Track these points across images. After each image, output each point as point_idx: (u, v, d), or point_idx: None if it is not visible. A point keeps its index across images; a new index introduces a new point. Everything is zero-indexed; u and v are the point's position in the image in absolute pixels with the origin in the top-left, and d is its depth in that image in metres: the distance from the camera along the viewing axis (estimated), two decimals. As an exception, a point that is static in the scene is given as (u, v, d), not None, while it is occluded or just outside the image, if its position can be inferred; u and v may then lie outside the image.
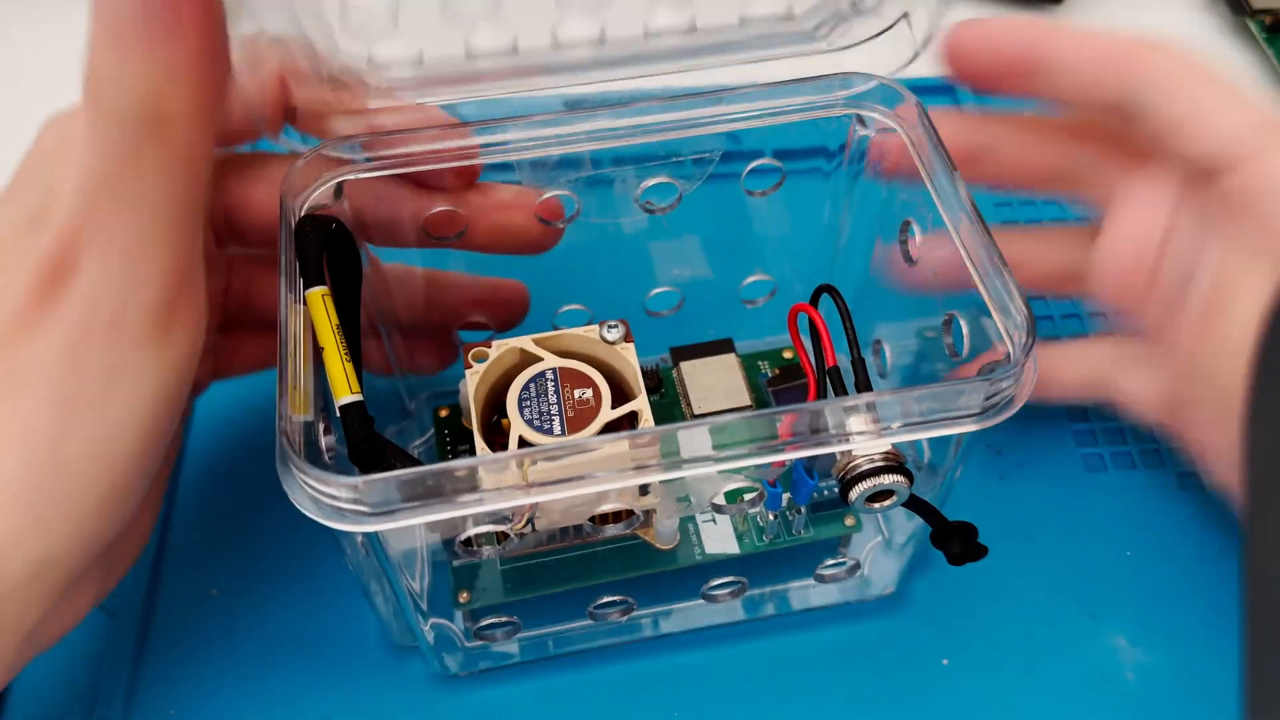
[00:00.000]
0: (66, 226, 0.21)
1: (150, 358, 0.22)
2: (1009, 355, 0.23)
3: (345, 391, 0.23)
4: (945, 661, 0.30)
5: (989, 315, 0.24)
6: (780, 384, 0.32)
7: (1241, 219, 0.25)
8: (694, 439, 0.22)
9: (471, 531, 0.23)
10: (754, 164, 0.29)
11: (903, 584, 0.31)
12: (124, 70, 0.20)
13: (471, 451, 0.30)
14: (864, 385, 0.25)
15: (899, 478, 0.23)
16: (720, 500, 0.25)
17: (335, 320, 0.24)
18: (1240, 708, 0.13)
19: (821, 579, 0.30)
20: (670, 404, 0.32)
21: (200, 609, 0.31)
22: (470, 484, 0.21)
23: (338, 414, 0.23)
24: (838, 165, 0.30)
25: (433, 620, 0.28)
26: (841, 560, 0.29)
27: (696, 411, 0.31)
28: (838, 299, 0.26)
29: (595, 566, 0.29)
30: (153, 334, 0.22)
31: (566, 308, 0.33)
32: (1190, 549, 0.32)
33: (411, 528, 0.21)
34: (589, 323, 0.31)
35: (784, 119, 0.28)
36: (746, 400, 0.31)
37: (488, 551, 0.24)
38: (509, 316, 0.33)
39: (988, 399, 0.22)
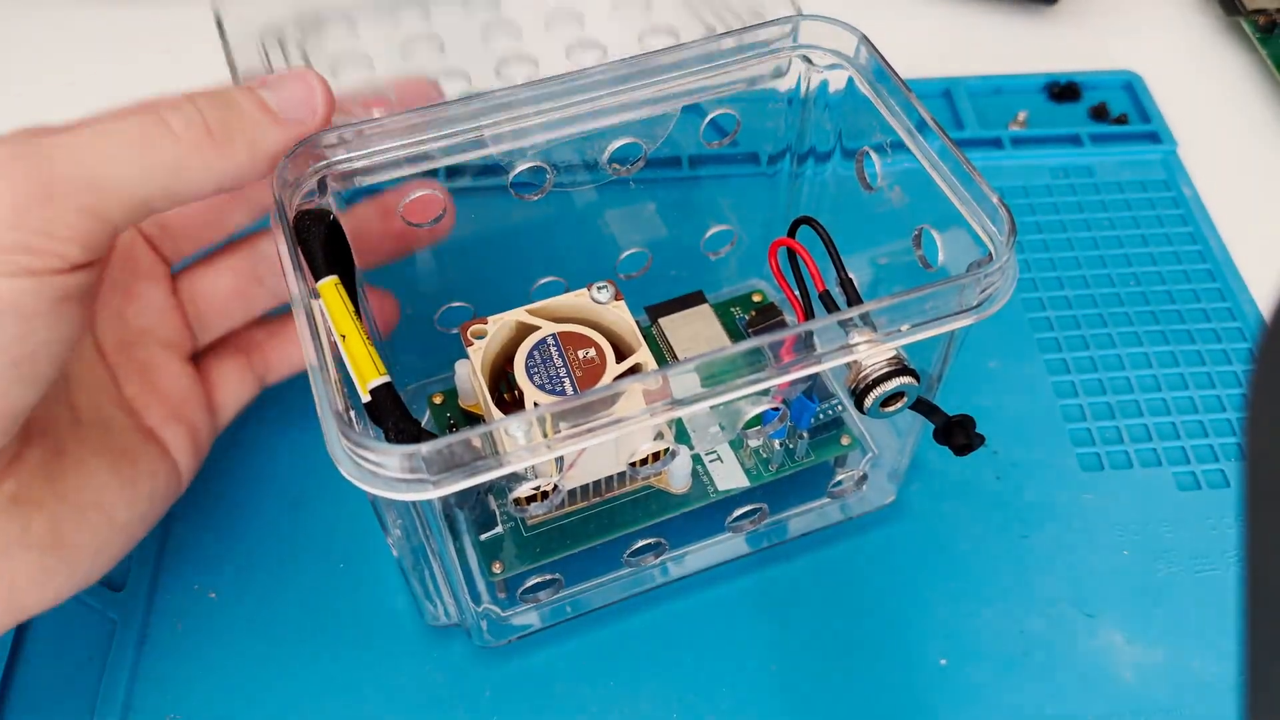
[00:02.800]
0: None
1: None
2: (991, 254, 0.25)
3: (374, 374, 0.24)
4: (943, 661, 0.30)
5: (962, 224, 0.26)
6: (759, 324, 0.34)
7: None
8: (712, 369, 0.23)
9: (525, 489, 0.23)
10: (711, 115, 0.31)
11: (901, 492, 0.33)
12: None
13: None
14: (856, 303, 0.27)
15: (908, 379, 0.25)
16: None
17: (351, 307, 0.24)
18: (1239, 707, 0.13)
19: (833, 495, 0.31)
20: (656, 359, 0.33)
21: (200, 610, 0.31)
22: (521, 441, 0.22)
23: (364, 400, 0.24)
24: (789, 107, 0.31)
25: (476, 592, 0.29)
26: (850, 474, 0.31)
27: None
28: (817, 228, 0.28)
29: (616, 520, 0.30)
30: None
31: (542, 280, 0.34)
32: (1187, 547, 0.32)
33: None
34: (563, 293, 0.32)
35: (734, 70, 0.29)
36: (727, 344, 0.33)
37: (534, 510, 0.25)
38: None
39: (981, 293, 0.24)
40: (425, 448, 0.21)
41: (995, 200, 0.24)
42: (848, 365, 0.25)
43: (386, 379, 0.24)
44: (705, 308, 0.34)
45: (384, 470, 0.21)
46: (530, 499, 0.25)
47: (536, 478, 0.24)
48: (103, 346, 0.29)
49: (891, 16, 0.49)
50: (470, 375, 0.30)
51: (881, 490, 0.32)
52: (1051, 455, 0.34)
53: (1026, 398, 0.36)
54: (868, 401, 0.25)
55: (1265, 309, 0.37)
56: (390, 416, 0.24)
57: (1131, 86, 0.45)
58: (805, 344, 0.24)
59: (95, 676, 0.30)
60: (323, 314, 0.24)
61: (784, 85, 0.31)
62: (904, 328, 0.24)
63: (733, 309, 0.35)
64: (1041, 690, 0.30)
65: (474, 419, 0.32)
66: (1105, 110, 0.44)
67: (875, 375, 0.25)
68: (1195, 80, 0.46)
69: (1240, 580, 0.14)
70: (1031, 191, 0.42)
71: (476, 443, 0.22)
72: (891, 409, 0.25)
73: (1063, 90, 0.45)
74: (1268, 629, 0.13)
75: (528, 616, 0.30)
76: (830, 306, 0.27)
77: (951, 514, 0.33)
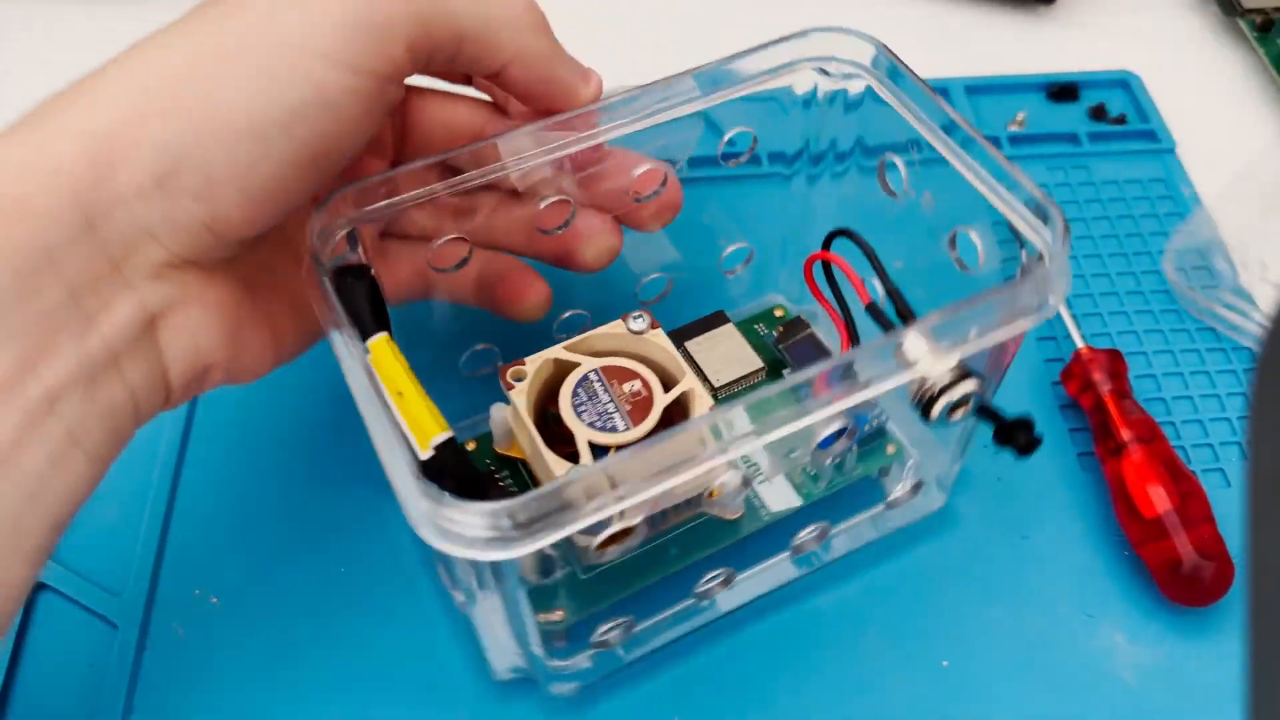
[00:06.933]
0: None
1: None
2: (1042, 253, 0.24)
3: (436, 430, 0.23)
4: (945, 663, 0.30)
5: (1001, 223, 0.26)
6: (789, 339, 0.33)
7: None
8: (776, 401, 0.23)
9: (607, 533, 0.23)
10: (731, 132, 0.30)
11: (951, 497, 0.32)
12: None
13: (516, 477, 0.30)
14: (904, 312, 0.27)
15: (972, 383, 0.24)
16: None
17: (405, 362, 0.23)
18: (1243, 709, 0.13)
19: (892, 504, 0.31)
20: (689, 384, 0.33)
21: (201, 616, 0.30)
22: (596, 490, 0.21)
23: (422, 456, 0.23)
24: (804, 117, 0.31)
25: (540, 645, 0.28)
26: (904, 482, 0.31)
27: (716, 385, 0.32)
28: (856, 239, 0.27)
29: (669, 554, 0.29)
30: None
31: (565, 314, 0.33)
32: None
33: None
34: (585, 326, 0.32)
35: (750, 86, 0.29)
36: (758, 363, 0.32)
37: (613, 552, 0.24)
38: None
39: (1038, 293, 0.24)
40: (511, 504, 0.20)
41: (1041, 197, 0.24)
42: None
43: (450, 434, 0.23)
44: (730, 327, 0.33)
45: (467, 530, 0.20)
46: (609, 542, 0.24)
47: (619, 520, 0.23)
48: None
49: (890, 16, 0.49)
50: (511, 419, 0.29)
51: (930, 498, 0.32)
52: (1052, 455, 0.34)
53: (1026, 397, 0.36)
54: (935, 410, 0.24)
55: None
56: (454, 473, 0.23)
57: (1130, 86, 0.45)
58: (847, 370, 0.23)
59: (96, 684, 0.29)
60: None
61: (799, 98, 0.30)
62: (971, 335, 0.23)
63: (756, 326, 0.35)
64: (1041, 690, 0.29)
65: (511, 464, 0.31)
66: (1104, 110, 0.44)
67: (942, 384, 0.24)
68: (1193, 80, 0.46)
69: (1243, 580, 0.13)
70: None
71: (574, 494, 0.21)
72: (957, 416, 0.25)
73: (1061, 90, 0.45)
74: (1271, 629, 0.13)
75: (586, 662, 0.29)
76: (879, 318, 0.27)
77: (952, 514, 0.33)
